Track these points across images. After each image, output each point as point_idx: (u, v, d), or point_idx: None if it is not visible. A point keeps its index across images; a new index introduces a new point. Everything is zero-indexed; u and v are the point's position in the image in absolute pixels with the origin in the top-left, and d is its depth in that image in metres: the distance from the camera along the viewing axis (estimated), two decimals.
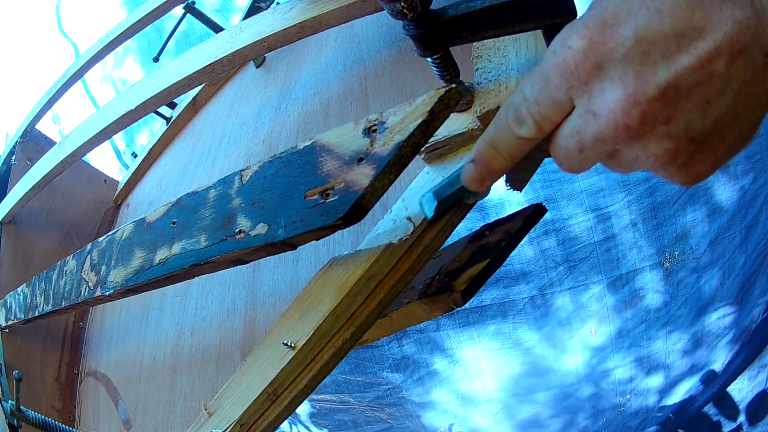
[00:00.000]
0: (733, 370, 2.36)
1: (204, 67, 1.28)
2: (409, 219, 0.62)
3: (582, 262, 2.36)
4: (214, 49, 1.30)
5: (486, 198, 0.57)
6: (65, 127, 4.37)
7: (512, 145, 0.45)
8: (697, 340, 2.40)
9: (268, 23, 1.21)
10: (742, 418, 2.35)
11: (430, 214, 0.57)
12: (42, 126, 2.06)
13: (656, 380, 2.50)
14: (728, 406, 2.38)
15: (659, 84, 0.37)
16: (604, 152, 0.41)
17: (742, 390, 2.34)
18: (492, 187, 0.53)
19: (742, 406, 2.34)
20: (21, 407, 1.09)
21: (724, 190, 2.23)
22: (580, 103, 0.40)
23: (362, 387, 2.76)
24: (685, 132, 0.38)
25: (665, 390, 2.50)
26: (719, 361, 2.40)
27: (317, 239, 0.62)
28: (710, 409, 2.43)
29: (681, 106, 0.37)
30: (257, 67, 1.70)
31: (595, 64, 0.38)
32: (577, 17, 0.41)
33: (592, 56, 0.38)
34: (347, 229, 0.59)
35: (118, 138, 4.08)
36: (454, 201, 0.57)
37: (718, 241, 2.28)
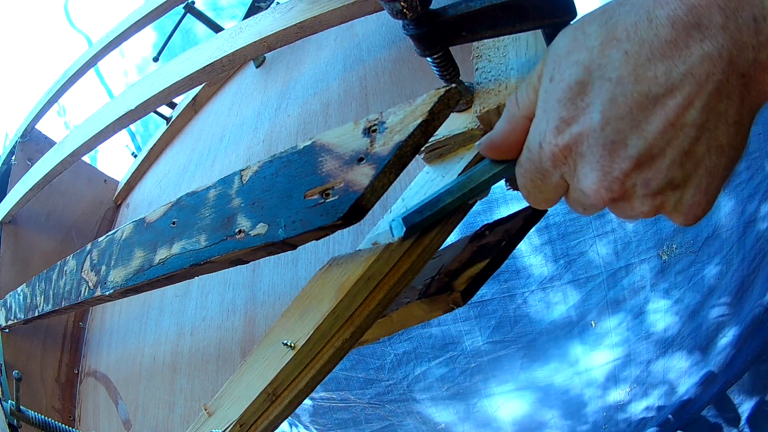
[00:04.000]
0: (734, 372, 2.36)
1: (204, 67, 1.28)
2: None
3: (581, 256, 2.36)
4: (214, 49, 1.30)
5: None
6: (71, 119, 4.35)
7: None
8: (696, 336, 2.40)
9: (268, 23, 1.21)
10: (743, 424, 2.35)
11: (398, 236, 0.57)
12: (46, 119, 2.05)
13: (654, 380, 2.50)
14: (728, 410, 2.38)
15: (632, 156, 0.39)
16: (591, 212, 0.45)
17: (743, 401, 2.34)
18: (492, 189, 0.54)
19: (744, 416, 2.33)
20: (21, 407, 1.09)
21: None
22: (572, 185, 0.44)
23: (363, 383, 2.76)
24: (667, 185, 0.39)
25: (663, 390, 2.50)
26: (719, 361, 2.40)
27: (317, 239, 0.62)
28: (710, 411, 2.42)
29: (658, 167, 0.39)
30: (257, 67, 1.70)
31: (578, 153, 0.41)
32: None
33: (573, 146, 0.41)
34: (347, 229, 0.59)
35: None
36: (431, 223, 0.57)
37: (715, 237, 2.29)
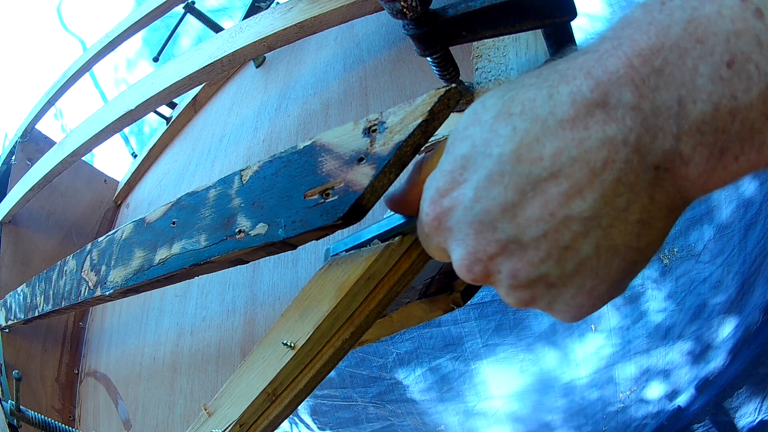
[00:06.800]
0: (733, 375, 2.35)
1: (204, 67, 1.28)
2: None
3: None
4: (214, 49, 1.30)
5: None
6: (68, 122, 4.36)
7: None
8: (696, 340, 2.40)
9: (267, 23, 1.21)
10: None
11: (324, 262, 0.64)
12: (44, 122, 2.06)
13: (654, 382, 2.50)
14: (725, 414, 2.37)
15: (498, 240, 0.34)
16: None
17: (742, 404, 2.33)
18: None
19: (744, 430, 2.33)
20: (21, 407, 1.09)
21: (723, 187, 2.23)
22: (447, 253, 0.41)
23: (366, 381, 2.76)
24: (538, 280, 0.35)
25: (662, 392, 2.50)
26: (718, 363, 2.40)
27: (317, 239, 0.62)
28: (707, 415, 2.42)
29: (528, 258, 0.34)
30: (257, 67, 1.70)
31: (446, 228, 0.38)
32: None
33: (443, 220, 0.38)
34: (347, 229, 0.59)
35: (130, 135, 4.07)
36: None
37: (717, 239, 2.28)
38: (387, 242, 0.60)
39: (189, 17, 1.81)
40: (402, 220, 0.55)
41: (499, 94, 0.36)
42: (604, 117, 0.30)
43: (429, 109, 0.53)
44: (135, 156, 2.15)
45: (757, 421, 2.26)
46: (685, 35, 0.28)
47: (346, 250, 0.62)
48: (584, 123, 0.30)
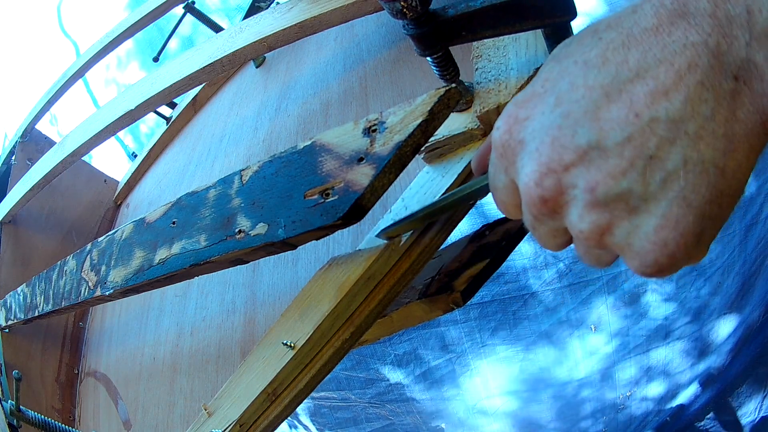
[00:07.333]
0: (734, 375, 2.35)
1: (204, 67, 1.28)
2: None
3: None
4: (214, 49, 1.30)
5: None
6: (63, 128, 4.37)
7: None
8: (696, 340, 2.40)
9: (268, 23, 1.21)
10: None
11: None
12: (40, 127, 2.06)
13: (655, 381, 2.50)
14: (728, 413, 2.37)
15: (579, 146, 0.31)
16: (550, 232, 0.36)
17: (743, 403, 2.33)
18: None
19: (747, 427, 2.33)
20: (21, 407, 1.09)
21: None
22: (516, 182, 0.36)
23: (364, 383, 2.76)
24: (619, 198, 0.31)
25: (663, 392, 2.50)
26: (719, 363, 2.40)
27: (317, 239, 0.62)
28: (709, 414, 2.42)
29: (610, 168, 0.31)
30: (257, 67, 1.70)
31: (518, 141, 0.35)
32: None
33: (515, 132, 0.35)
34: (347, 229, 0.59)
35: (125, 135, 4.07)
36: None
37: (717, 240, 2.28)
38: (389, 241, 0.60)
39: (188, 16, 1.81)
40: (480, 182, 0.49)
41: (592, 23, 0.35)
42: (685, 24, 0.30)
43: (429, 109, 0.53)
44: (135, 156, 2.15)
45: (758, 418, 2.26)
46: None
47: (409, 218, 0.57)
48: (668, 30, 0.31)
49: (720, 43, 0.30)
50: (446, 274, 0.70)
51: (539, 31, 0.63)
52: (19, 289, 1.26)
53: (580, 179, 0.32)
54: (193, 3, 1.76)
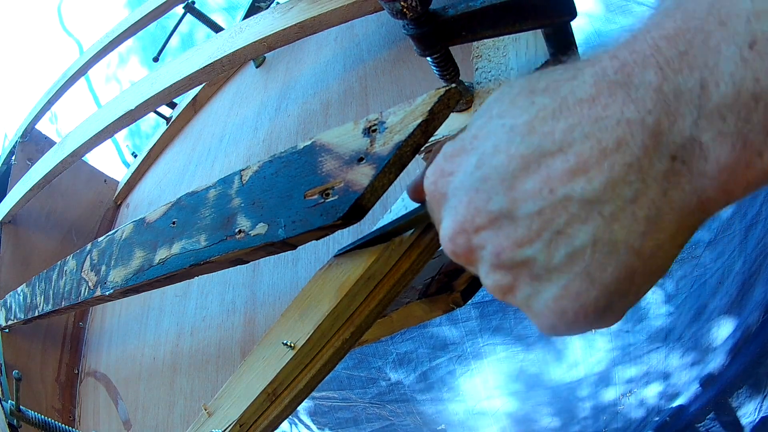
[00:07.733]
0: (733, 375, 2.35)
1: (204, 67, 1.28)
2: None
3: None
4: (214, 49, 1.30)
5: None
6: (63, 127, 4.37)
7: None
8: (696, 340, 2.40)
9: (267, 23, 1.21)
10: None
11: None
12: (39, 125, 2.06)
13: (654, 382, 2.50)
14: (728, 413, 2.37)
15: (491, 212, 0.32)
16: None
17: (743, 404, 2.33)
18: None
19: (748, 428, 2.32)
20: (21, 407, 1.09)
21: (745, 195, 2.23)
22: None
23: (365, 383, 2.76)
24: (522, 264, 0.31)
25: (662, 392, 2.50)
26: (718, 364, 2.40)
27: (317, 239, 0.62)
28: (709, 414, 2.42)
29: (515, 236, 0.31)
30: (257, 67, 1.70)
31: (442, 194, 0.36)
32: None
33: (440, 185, 0.36)
34: (347, 229, 0.59)
35: (121, 136, 4.07)
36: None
37: (717, 240, 2.28)
38: (388, 241, 0.60)
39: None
40: (419, 212, 0.53)
41: (528, 76, 0.34)
42: (624, 97, 0.28)
43: (429, 109, 0.53)
44: (135, 156, 2.15)
45: (758, 419, 2.26)
46: (709, 18, 0.27)
47: (357, 246, 0.60)
48: (604, 102, 0.29)
49: (660, 122, 0.28)
50: (446, 274, 0.70)
51: (539, 31, 0.63)
52: (19, 289, 1.26)
53: (488, 242, 0.33)
54: (193, 3, 1.76)
